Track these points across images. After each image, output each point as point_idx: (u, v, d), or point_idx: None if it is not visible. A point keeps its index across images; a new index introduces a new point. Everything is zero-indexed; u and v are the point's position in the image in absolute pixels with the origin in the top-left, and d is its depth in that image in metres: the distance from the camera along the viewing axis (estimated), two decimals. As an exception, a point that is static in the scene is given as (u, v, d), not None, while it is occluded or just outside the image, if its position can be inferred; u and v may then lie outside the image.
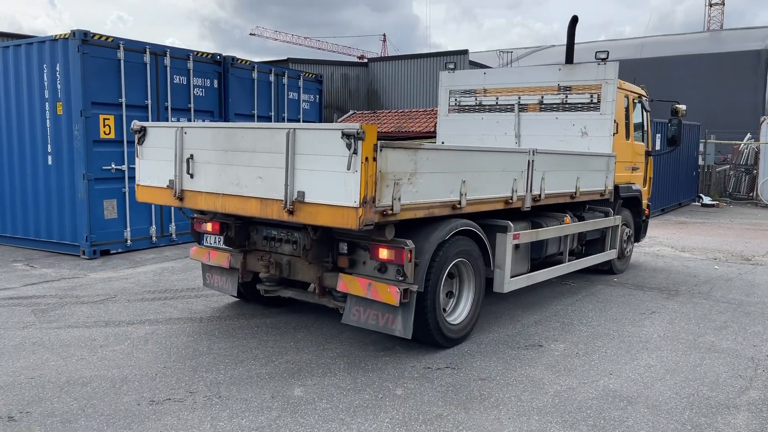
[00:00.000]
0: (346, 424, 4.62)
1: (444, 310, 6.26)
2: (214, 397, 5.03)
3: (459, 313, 6.41)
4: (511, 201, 6.84)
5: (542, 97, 9.94)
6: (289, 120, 14.19)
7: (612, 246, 9.68)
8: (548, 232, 7.67)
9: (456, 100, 10.83)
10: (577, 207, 9.01)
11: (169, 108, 11.50)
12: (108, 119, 10.62)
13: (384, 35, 66.15)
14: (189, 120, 11.74)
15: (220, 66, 12.48)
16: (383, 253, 5.66)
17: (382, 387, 5.31)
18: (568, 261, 8.36)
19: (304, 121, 14.67)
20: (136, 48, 10.95)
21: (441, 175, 5.78)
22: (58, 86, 10.43)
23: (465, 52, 30.45)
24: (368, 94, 33.45)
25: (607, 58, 9.33)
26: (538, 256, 8.05)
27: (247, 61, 13.24)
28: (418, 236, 5.81)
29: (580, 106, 9.65)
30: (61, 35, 10.30)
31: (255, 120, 13.18)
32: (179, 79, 11.70)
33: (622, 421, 4.82)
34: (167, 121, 11.37)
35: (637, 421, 4.82)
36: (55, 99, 10.53)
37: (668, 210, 21.31)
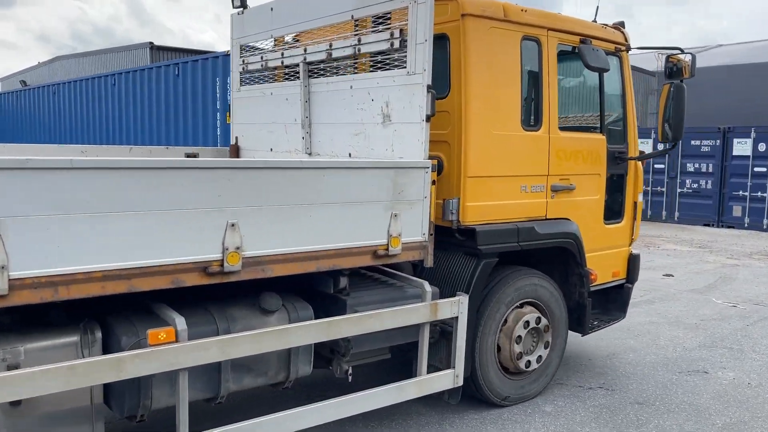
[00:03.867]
0: (494, 438, 4.56)
1: None
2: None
3: None
4: None
5: (331, 45, 4.95)
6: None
7: (443, 363, 4.48)
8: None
9: (245, 62, 6.13)
10: (321, 280, 4.05)
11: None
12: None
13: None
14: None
15: None
16: None
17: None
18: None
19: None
20: None
21: None
22: (228, 97, 11.07)
23: (616, 53, 25.35)
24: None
25: (413, -53, 4.15)
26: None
27: None
28: None
29: (381, 59, 4.56)
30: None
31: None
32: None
33: (802, 464, 4.40)
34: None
35: (820, 465, 4.37)
36: (225, 109, 11.41)
37: None
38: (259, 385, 3.84)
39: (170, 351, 3.16)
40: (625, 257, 5.89)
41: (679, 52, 5.35)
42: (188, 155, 6.19)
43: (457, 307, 4.33)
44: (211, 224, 3.26)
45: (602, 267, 5.63)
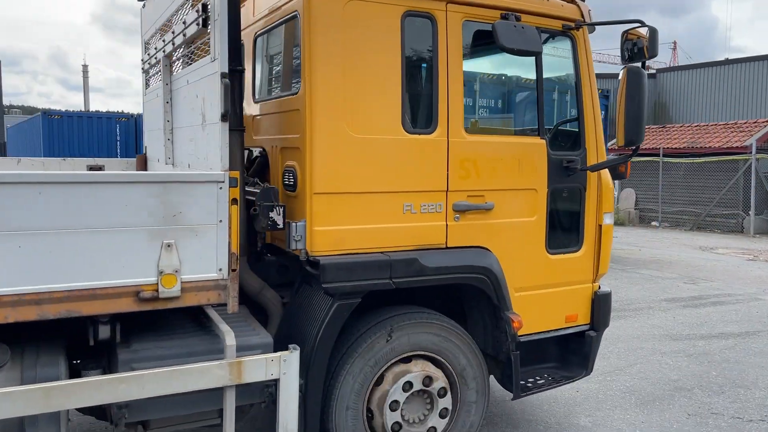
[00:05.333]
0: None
1: None
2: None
3: None
4: None
5: (174, 32, 4.05)
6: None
7: None
8: None
9: (143, 60, 5.38)
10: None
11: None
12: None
13: (674, 42, 54.88)
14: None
15: None
16: None
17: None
18: None
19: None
20: None
21: None
22: None
23: (772, 55, 24.89)
24: (655, 107, 29.67)
25: None
26: None
27: None
28: None
29: (200, 44, 3.62)
30: None
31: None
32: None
33: None
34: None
35: None
36: None
37: None
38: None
39: None
40: (587, 297, 4.53)
41: (639, 25, 3.98)
42: (91, 168, 5.53)
43: (277, 367, 3.27)
44: None
45: (547, 309, 4.34)
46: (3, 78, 26.32)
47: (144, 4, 5.28)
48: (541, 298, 4.29)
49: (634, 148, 4.03)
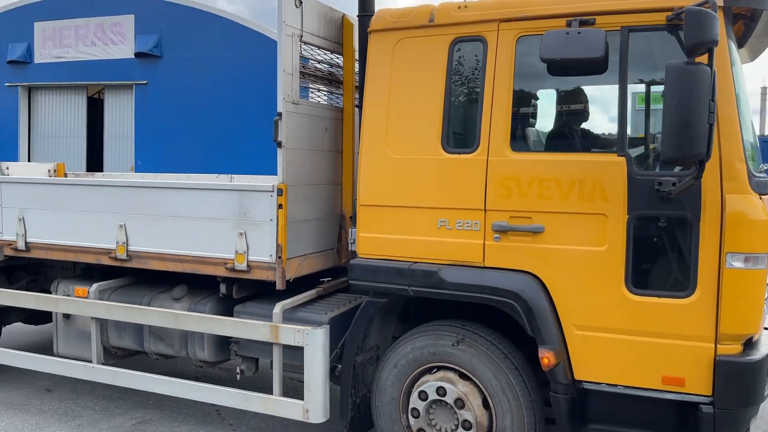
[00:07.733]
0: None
1: None
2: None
3: None
4: None
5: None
6: None
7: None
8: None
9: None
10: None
11: None
12: None
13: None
14: None
15: None
16: None
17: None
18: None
19: None
20: None
21: None
22: None
23: None
24: None
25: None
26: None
27: None
28: None
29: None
30: None
31: None
32: None
33: None
34: None
35: None
36: None
37: None
38: (171, 355, 4.99)
39: (80, 302, 4.94)
40: (704, 359, 3.45)
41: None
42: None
43: (302, 337, 4.18)
44: (108, 224, 4.83)
45: (631, 361, 3.62)
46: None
47: None
48: (619, 344, 3.61)
49: (699, 165, 3.09)
